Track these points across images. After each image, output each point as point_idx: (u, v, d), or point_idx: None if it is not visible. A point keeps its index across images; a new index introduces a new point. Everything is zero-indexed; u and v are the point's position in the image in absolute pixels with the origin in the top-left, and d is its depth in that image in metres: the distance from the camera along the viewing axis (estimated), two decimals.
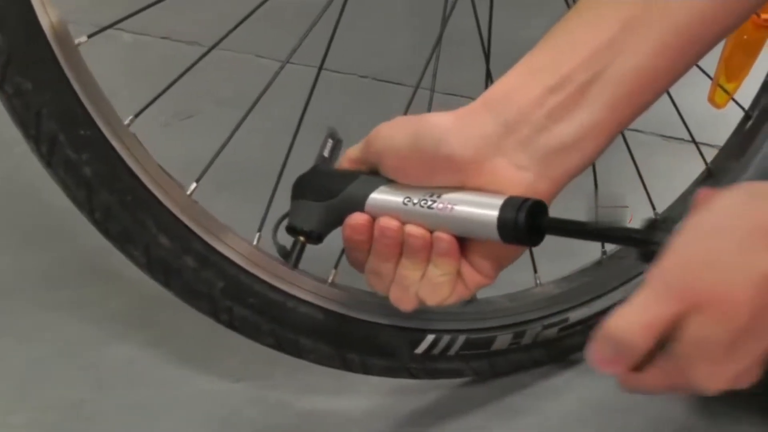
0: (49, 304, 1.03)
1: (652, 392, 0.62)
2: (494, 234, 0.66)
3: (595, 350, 0.60)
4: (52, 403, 0.90)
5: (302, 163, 0.76)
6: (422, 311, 0.83)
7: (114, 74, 0.77)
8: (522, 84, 0.67)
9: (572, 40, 0.67)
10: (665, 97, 0.97)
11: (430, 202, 0.68)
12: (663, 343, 0.59)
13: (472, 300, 0.87)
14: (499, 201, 0.66)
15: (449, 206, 0.67)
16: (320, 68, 0.86)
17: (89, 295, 1.03)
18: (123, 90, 0.79)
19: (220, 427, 0.88)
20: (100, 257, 1.07)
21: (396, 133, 0.69)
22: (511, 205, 0.66)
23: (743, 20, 0.68)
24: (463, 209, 0.67)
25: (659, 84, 0.67)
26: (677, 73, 0.68)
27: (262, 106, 0.82)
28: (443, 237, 0.68)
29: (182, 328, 0.97)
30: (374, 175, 0.71)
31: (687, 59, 0.67)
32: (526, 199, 0.66)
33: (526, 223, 0.65)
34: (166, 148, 0.80)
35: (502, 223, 0.66)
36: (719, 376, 0.59)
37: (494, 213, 0.66)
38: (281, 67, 0.82)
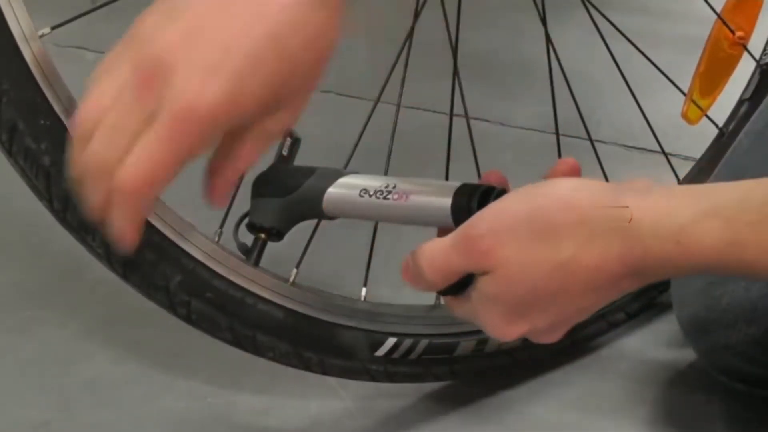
0: (10, 325, 1.01)
1: (462, 319, 0.69)
2: (448, 220, 0.69)
3: (405, 262, 0.67)
4: (16, 425, 0.88)
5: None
6: (385, 314, 0.85)
7: (76, 92, 0.77)
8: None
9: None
10: (628, 107, 0.99)
11: (385, 193, 0.70)
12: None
13: (436, 304, 0.87)
14: (452, 188, 0.69)
15: (404, 196, 0.70)
16: None
17: (51, 314, 1.02)
18: None
19: None
20: (60, 277, 1.07)
21: None
22: (464, 191, 0.69)
23: None
24: (417, 198, 0.70)
25: None
26: None
27: None
28: None
29: (147, 346, 0.96)
30: (331, 168, 0.73)
31: None
32: (478, 185, 0.69)
33: (479, 207, 0.67)
34: None
35: (456, 208, 0.68)
36: (503, 330, 0.66)
37: (447, 199, 0.69)
38: None
